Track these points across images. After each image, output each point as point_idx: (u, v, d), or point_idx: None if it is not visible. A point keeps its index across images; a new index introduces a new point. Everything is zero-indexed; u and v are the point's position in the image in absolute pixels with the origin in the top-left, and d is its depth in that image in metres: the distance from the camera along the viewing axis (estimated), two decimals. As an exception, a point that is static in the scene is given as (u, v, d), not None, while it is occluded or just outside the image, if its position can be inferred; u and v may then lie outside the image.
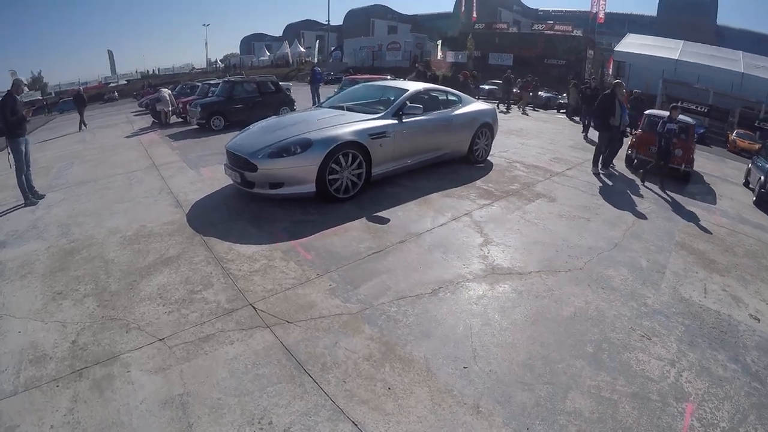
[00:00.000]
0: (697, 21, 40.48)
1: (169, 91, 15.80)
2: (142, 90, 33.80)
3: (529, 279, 4.15)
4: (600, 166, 8.68)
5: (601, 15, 35.43)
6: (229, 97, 12.95)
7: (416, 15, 67.51)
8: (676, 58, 29.28)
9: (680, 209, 7.06)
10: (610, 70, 34.35)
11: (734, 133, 19.83)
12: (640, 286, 4.22)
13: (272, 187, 5.23)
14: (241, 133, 6.22)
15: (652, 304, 3.94)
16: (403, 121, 6.20)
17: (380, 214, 5.43)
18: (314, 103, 16.32)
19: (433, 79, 19.09)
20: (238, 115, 12.65)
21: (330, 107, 6.93)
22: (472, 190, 6.63)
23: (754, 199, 8.67)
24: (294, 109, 14.33)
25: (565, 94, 22.10)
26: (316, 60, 51.71)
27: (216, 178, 6.99)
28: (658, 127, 8.49)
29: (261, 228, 4.99)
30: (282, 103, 13.88)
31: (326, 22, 59.58)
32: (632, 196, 7.43)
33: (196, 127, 12.85)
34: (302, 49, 57.32)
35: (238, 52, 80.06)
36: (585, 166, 9.00)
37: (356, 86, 8.54)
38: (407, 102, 6.43)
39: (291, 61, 54.62)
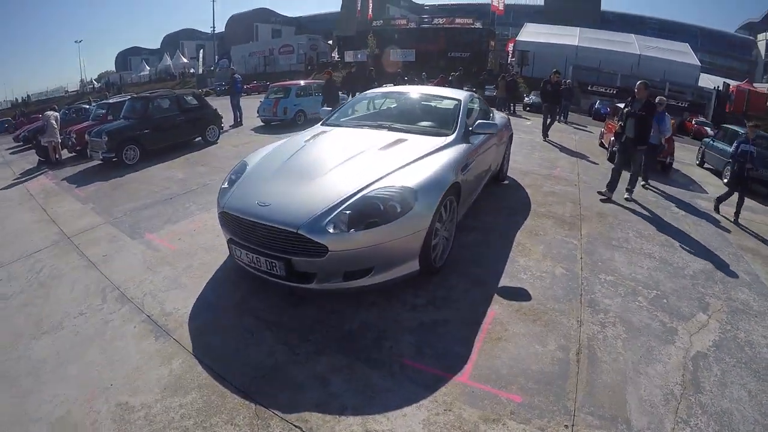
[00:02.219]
0: (582, 7, 43.10)
1: (57, 115, 11.19)
2: (16, 120, 27.76)
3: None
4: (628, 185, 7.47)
5: (501, 6, 36.14)
6: (142, 119, 9.82)
7: (300, 17, 67.01)
8: (577, 44, 30.66)
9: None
10: (510, 58, 35.34)
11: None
12: None
13: (351, 277, 3.13)
14: (242, 180, 3.80)
15: None
16: (472, 141, 4.59)
17: (507, 284, 3.72)
18: (236, 118, 14.16)
19: (371, 80, 18.25)
20: (157, 141, 9.96)
21: (360, 125, 4.94)
22: (542, 219, 5.47)
23: (725, 181, 9.24)
24: (222, 128, 12.01)
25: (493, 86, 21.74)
26: (200, 71, 47.78)
27: (184, 249, 4.63)
28: (732, 149, 7.12)
29: (381, 364, 2.78)
30: (208, 121, 11.36)
31: (208, 30, 56.27)
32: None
33: (100, 162, 9.32)
34: (185, 60, 52.84)
35: (114, 69, 73.26)
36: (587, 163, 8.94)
37: (369, 95, 6.35)
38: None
39: (175, 74, 50.04)
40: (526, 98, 22.59)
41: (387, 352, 2.86)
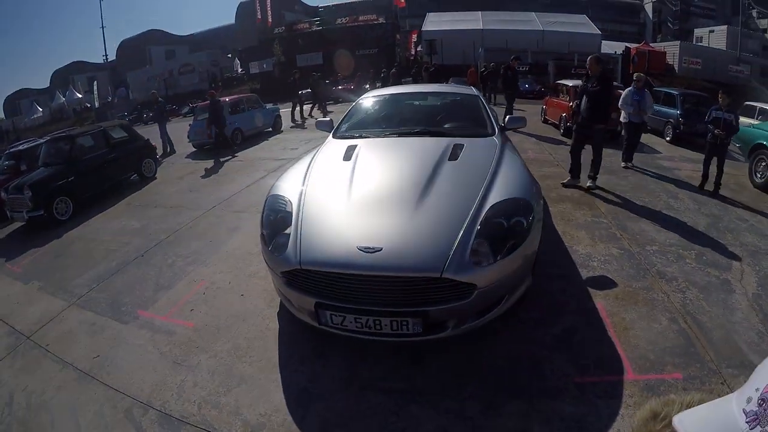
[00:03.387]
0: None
1: None
2: None
3: None
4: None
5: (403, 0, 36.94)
6: (67, 163, 8.30)
7: (193, 34, 64.30)
8: (482, 27, 32.14)
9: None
10: (412, 49, 36.30)
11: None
12: None
13: (486, 312, 2.76)
14: (306, 223, 2.96)
15: None
16: (507, 137, 4.54)
17: (588, 275, 3.97)
18: (165, 146, 12.77)
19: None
20: (90, 186, 8.50)
21: (391, 133, 4.44)
22: (560, 203, 5.91)
23: (668, 139, 10.88)
24: (157, 158, 10.78)
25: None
26: (96, 104, 44.63)
27: (209, 323, 3.58)
28: (707, 117, 6.68)
29: (558, 391, 2.59)
30: (143, 154, 10.08)
31: (99, 60, 52.58)
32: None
33: (24, 223, 7.77)
34: (79, 95, 48.88)
35: (3, 116, 66.56)
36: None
37: (372, 98, 5.42)
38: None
39: (70, 111, 46.44)
40: (448, 85, 23.39)
41: (553, 376, 2.70)
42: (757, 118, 11.92)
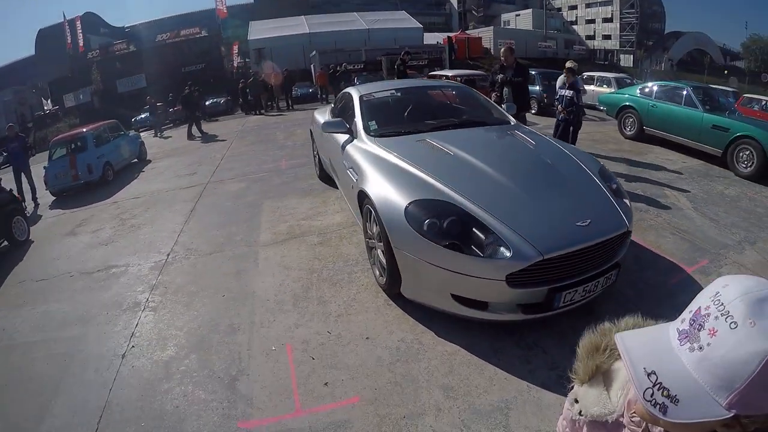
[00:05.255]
0: (290, -1, 45.57)
1: None
2: None
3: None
4: None
5: (224, 9, 36.00)
6: None
7: None
8: (309, 31, 33.15)
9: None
10: (235, 61, 35.86)
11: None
12: None
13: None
14: (505, 219, 2.96)
15: None
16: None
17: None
18: (34, 198, 10.22)
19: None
20: None
21: (432, 127, 4.61)
22: None
23: (534, 111, 13.02)
24: (25, 211, 8.56)
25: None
26: None
27: None
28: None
29: None
30: (9, 211, 7.55)
31: None
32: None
33: None
34: None
35: None
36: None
37: (374, 97, 5.28)
38: None
39: None
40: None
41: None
42: (603, 86, 15.10)
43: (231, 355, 3.34)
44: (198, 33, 36.61)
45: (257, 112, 20.18)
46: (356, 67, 27.17)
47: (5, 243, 7.26)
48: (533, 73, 13.16)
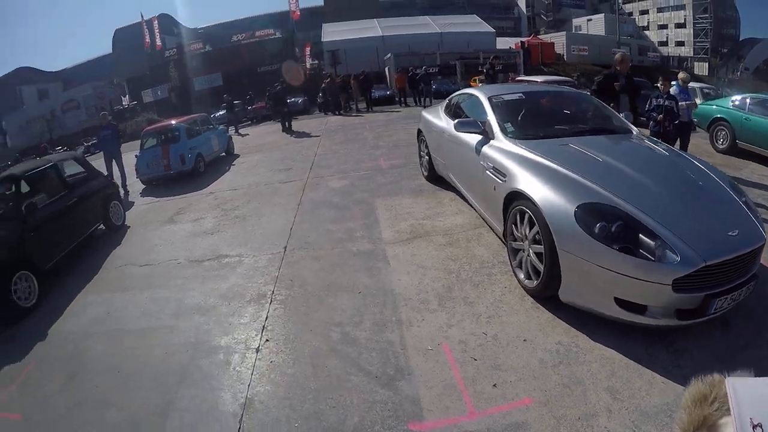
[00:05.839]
0: (361, 1, 45.83)
1: None
2: None
3: None
4: None
5: (297, 12, 36.56)
6: (17, 219, 5.31)
7: (65, 69, 58.30)
8: (382, 34, 32.99)
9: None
10: (308, 62, 36.16)
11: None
12: None
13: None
14: (664, 222, 2.99)
15: None
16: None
17: None
18: (124, 184, 10.22)
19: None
20: (55, 249, 5.75)
21: (567, 132, 4.61)
22: None
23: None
24: (120, 195, 8.42)
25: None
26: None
27: None
28: (648, 105, 6.72)
29: None
30: (107, 195, 7.44)
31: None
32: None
33: None
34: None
35: None
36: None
37: (506, 99, 5.26)
38: None
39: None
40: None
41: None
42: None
43: (384, 354, 3.21)
44: (272, 34, 37.42)
45: (336, 113, 19.97)
46: (433, 70, 26.76)
47: (101, 226, 7.21)
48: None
